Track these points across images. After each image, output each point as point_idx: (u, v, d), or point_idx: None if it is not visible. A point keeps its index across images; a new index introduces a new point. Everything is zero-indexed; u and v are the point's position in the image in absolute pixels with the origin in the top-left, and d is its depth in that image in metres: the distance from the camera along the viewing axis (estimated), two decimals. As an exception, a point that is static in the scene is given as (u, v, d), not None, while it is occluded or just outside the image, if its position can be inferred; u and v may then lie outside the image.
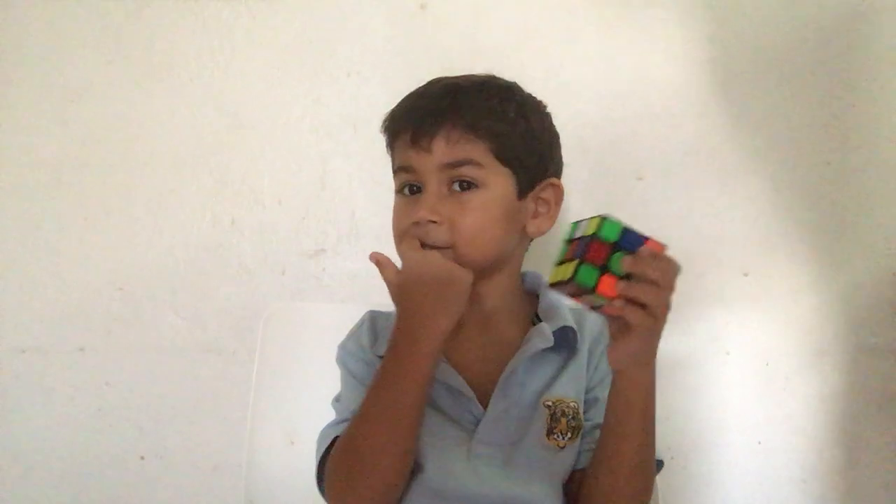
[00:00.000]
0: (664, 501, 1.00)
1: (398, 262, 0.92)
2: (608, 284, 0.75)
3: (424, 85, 0.98)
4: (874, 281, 1.19)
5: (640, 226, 1.19)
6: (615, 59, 1.24)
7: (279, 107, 1.28)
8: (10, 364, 1.29)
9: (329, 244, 1.26)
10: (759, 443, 1.20)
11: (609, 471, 0.86)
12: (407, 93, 0.99)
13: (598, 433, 0.89)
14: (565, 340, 0.95)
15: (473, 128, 0.91)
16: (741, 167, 1.21)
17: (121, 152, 1.29)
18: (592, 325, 0.98)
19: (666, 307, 0.76)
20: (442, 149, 0.91)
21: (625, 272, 0.75)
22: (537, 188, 0.96)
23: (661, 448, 0.88)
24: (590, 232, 0.76)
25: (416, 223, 0.91)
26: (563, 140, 1.00)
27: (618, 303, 0.74)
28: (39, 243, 1.29)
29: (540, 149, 0.97)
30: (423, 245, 0.92)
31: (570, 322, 0.95)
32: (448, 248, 0.91)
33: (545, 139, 0.98)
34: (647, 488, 0.87)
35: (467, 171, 0.92)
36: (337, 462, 0.87)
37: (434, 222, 0.91)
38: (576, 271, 0.75)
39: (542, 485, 0.90)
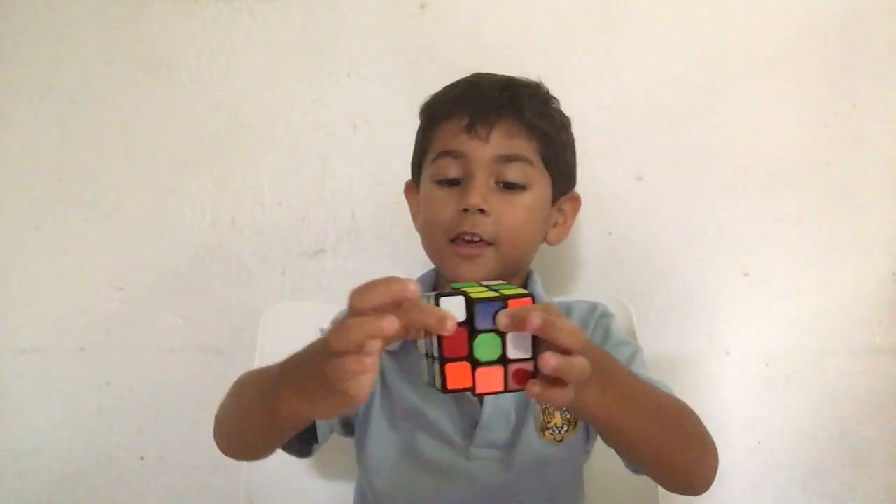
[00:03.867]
0: (664, 501, 1.00)
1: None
2: (488, 379, 0.58)
3: (471, 76, 0.96)
4: (874, 281, 1.19)
5: (639, 225, 1.22)
6: (615, 59, 1.24)
7: (279, 107, 1.28)
8: (10, 364, 1.29)
9: (329, 244, 1.26)
10: (759, 443, 1.19)
11: (639, 460, 0.76)
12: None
13: None
14: None
15: (530, 126, 0.90)
16: (741, 167, 1.21)
17: (121, 152, 1.29)
18: (579, 312, 0.93)
19: (578, 368, 0.58)
20: (499, 140, 0.89)
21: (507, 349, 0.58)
22: (562, 198, 0.97)
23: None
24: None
25: (465, 210, 0.87)
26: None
27: (535, 389, 0.58)
28: (39, 243, 1.30)
29: (572, 160, 0.98)
30: (467, 235, 0.87)
31: None
32: (490, 243, 0.88)
33: (574, 151, 0.99)
34: (681, 432, 0.73)
35: (519, 168, 0.90)
36: (219, 410, 0.84)
37: (483, 212, 0.87)
38: (435, 377, 0.58)
39: (543, 482, 0.89)
